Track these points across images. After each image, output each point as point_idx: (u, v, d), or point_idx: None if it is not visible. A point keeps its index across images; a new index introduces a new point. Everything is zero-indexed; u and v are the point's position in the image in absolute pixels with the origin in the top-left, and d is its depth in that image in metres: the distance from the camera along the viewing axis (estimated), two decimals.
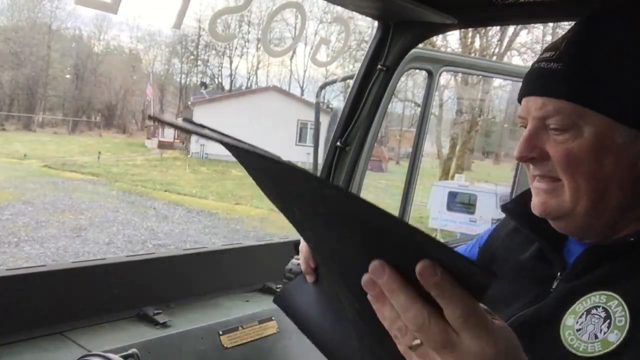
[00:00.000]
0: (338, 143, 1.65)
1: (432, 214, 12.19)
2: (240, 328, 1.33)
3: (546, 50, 0.79)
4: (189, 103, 28.87)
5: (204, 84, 38.18)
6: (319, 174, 1.73)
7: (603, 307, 0.73)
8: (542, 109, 0.75)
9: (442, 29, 1.51)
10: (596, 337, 0.71)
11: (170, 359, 1.17)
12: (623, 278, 0.75)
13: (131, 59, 42.69)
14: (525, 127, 0.79)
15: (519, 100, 0.81)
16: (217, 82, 43.31)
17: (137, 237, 9.77)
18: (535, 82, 0.77)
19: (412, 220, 2.20)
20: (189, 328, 1.25)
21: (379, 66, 1.59)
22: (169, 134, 29.24)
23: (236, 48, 42.00)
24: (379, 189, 15.65)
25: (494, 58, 17.16)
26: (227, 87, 42.01)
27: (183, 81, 43.91)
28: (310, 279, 0.81)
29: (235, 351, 1.29)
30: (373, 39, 1.62)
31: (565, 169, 0.74)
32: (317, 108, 2.33)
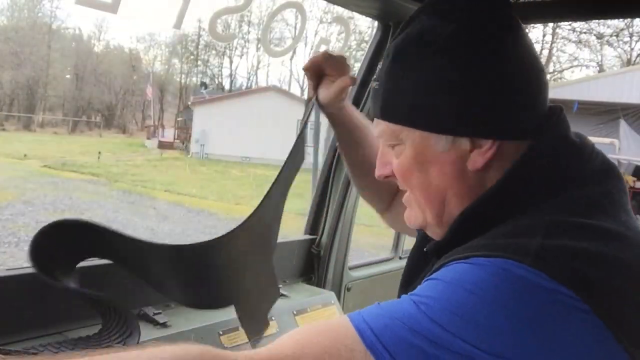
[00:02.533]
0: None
1: None
2: (240, 328, 1.33)
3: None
4: (189, 103, 28.85)
5: (204, 84, 38.21)
6: (319, 174, 1.73)
7: None
8: (377, 129, 0.77)
9: None
10: None
11: None
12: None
13: (131, 59, 42.67)
14: None
15: None
16: (217, 82, 43.32)
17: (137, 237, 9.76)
18: (370, 102, 0.83)
19: None
20: (189, 328, 1.25)
21: (379, 66, 1.59)
22: (169, 134, 29.23)
23: (236, 48, 42.02)
24: None
25: None
26: (227, 87, 42.03)
27: (183, 81, 43.90)
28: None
29: (236, 351, 1.29)
30: (373, 39, 1.62)
31: (402, 183, 0.76)
32: (317, 108, 2.33)
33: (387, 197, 1.17)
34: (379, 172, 0.81)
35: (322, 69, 1.10)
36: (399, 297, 0.84)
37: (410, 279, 0.88)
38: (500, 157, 0.69)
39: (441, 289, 0.60)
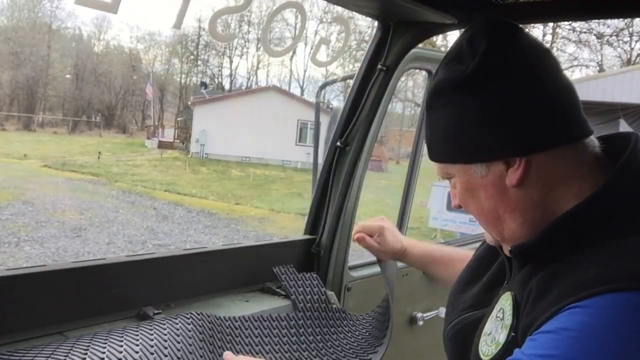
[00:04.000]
0: (338, 143, 1.65)
1: (432, 214, 12.19)
2: None
3: None
4: (189, 103, 28.86)
5: (204, 84, 38.17)
6: (319, 174, 1.73)
7: (502, 309, 0.77)
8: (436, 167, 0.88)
9: (442, 29, 1.50)
10: (494, 339, 0.75)
11: None
12: (516, 277, 0.79)
13: (131, 59, 42.66)
14: None
15: None
16: (217, 82, 43.31)
17: (137, 237, 9.78)
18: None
19: (412, 220, 2.20)
20: None
21: (379, 66, 1.59)
22: (169, 134, 29.23)
23: (236, 48, 42.04)
24: (379, 189, 15.63)
25: None
26: (227, 87, 42.02)
27: (183, 81, 43.90)
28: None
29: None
30: (373, 39, 1.62)
31: (465, 209, 0.86)
32: (317, 108, 2.34)
33: None
34: (452, 203, 0.89)
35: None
36: (454, 291, 0.99)
37: (477, 272, 0.98)
38: (533, 169, 0.75)
39: (566, 343, 0.61)
